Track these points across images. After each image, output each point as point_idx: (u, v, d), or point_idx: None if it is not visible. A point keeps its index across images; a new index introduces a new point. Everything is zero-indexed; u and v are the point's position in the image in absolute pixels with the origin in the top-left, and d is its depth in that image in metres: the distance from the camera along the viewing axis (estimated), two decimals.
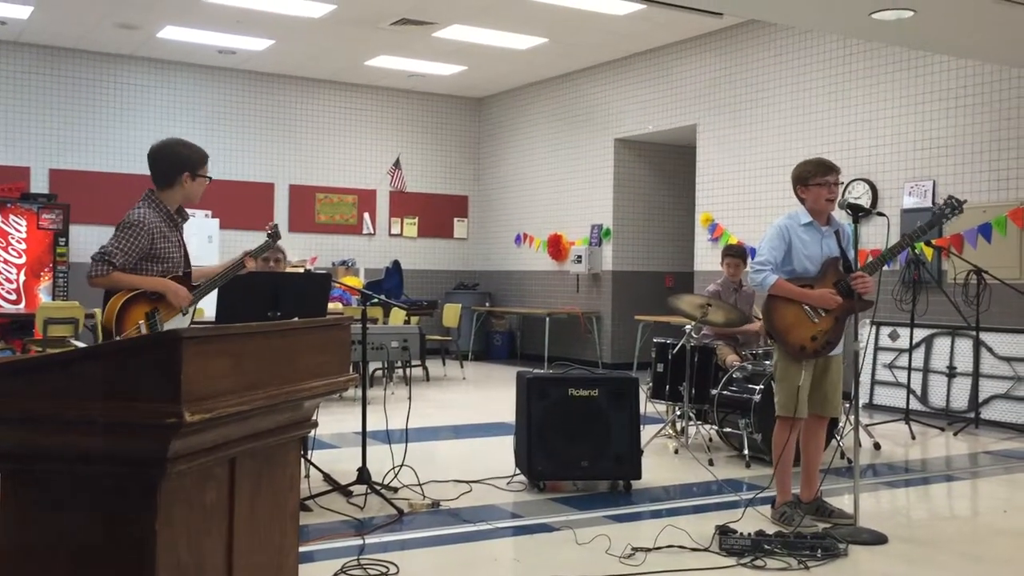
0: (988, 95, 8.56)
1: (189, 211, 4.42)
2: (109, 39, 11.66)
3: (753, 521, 4.78)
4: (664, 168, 12.95)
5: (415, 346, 7.89)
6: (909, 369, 8.42)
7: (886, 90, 9.31)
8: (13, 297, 10.93)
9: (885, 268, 7.42)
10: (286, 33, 11.25)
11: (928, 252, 8.78)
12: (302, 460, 5.13)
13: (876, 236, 8.90)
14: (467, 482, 5.70)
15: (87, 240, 11.68)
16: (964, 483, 6.24)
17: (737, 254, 7.38)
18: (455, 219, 14.91)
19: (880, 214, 5.39)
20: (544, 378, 5.62)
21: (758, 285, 4.79)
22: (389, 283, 12.93)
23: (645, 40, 11.52)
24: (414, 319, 11.31)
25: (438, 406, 9.18)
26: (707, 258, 11.07)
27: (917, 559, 4.35)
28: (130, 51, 12.27)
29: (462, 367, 12.14)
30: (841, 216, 5.33)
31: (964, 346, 8.50)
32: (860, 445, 4.82)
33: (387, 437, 5.99)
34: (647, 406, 6.92)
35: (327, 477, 5.43)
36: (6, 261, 10.92)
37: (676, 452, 6.70)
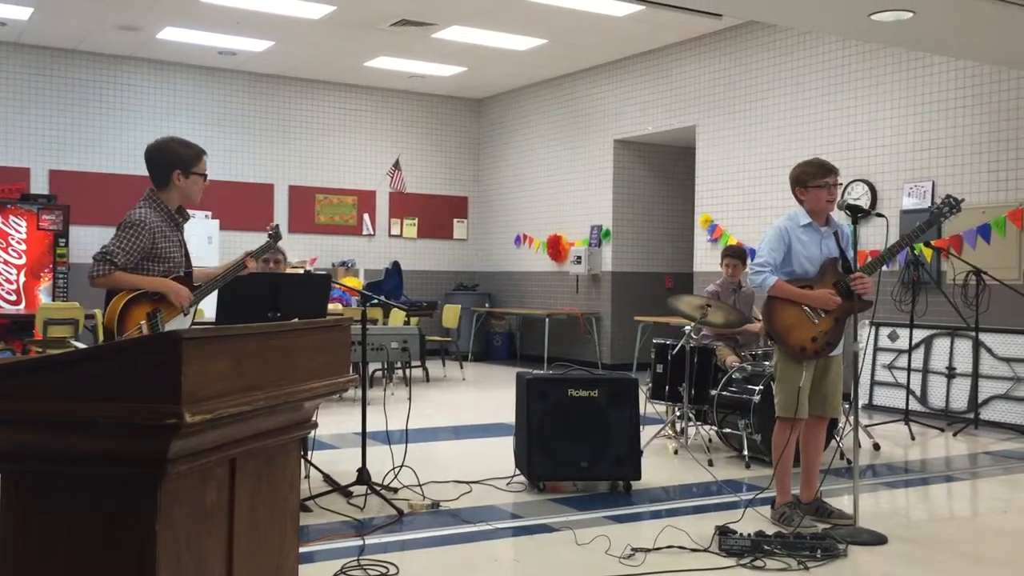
0: (987, 96, 8.56)
1: (189, 212, 4.41)
2: (109, 40, 11.66)
3: (753, 522, 4.78)
4: (663, 169, 12.96)
5: (415, 347, 7.89)
6: (908, 370, 8.42)
7: (885, 91, 9.32)
8: (13, 298, 10.93)
9: (884, 269, 7.43)
10: (286, 34, 11.26)
11: (927, 253, 8.78)
12: (302, 461, 5.14)
13: (875, 237, 8.90)
14: (467, 483, 5.70)
15: (87, 241, 11.69)
16: (964, 484, 6.24)
17: (736, 255, 7.38)
18: (455, 220, 14.91)
19: (879, 215, 5.39)
20: (544, 379, 5.62)
21: (758, 286, 4.80)
22: (389, 284, 12.93)
23: (644, 41, 11.52)
24: (414, 320, 11.32)
25: (438, 407, 9.18)
26: (707, 259, 11.08)
27: (917, 560, 4.35)
28: (130, 52, 12.27)
29: (462, 368, 12.14)
30: (840, 217, 5.34)
31: (963, 347, 8.51)
32: (860, 446, 4.83)
33: (387, 438, 5.99)
34: (647, 407, 6.93)
35: (327, 478, 5.43)
36: (6, 262, 10.92)
37: (676, 453, 6.71)
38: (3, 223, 10.88)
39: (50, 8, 10.33)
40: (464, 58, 12.29)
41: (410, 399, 7.03)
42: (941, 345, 8.70)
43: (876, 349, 9.13)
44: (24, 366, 1.98)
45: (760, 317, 7.16)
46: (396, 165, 14.30)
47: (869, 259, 4.87)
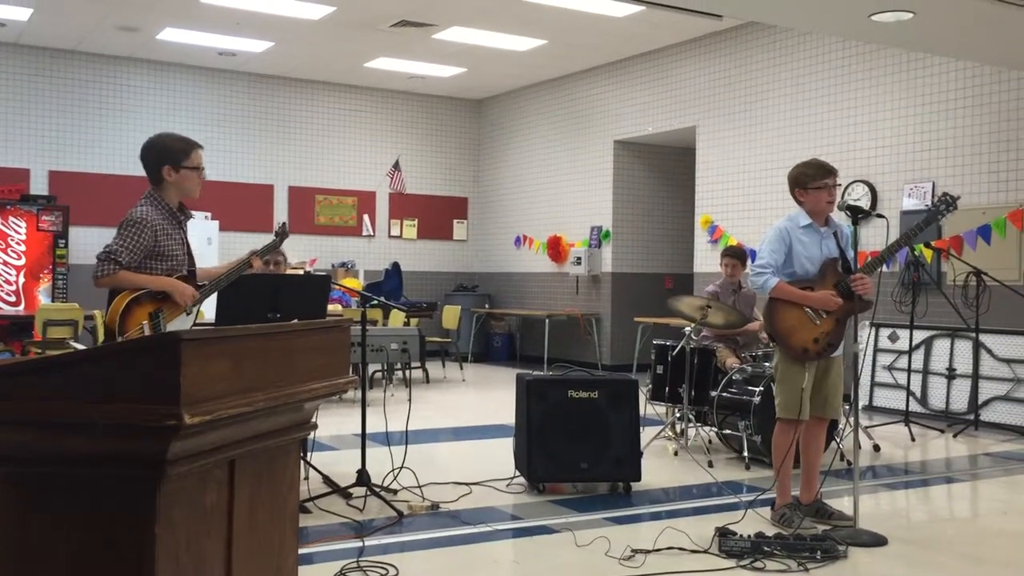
0: (987, 97, 8.56)
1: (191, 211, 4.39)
2: (109, 41, 11.66)
3: (753, 523, 4.78)
4: (663, 170, 12.96)
5: (415, 348, 7.88)
6: (909, 371, 8.42)
7: (885, 92, 9.32)
8: (13, 299, 10.93)
9: (885, 270, 7.42)
10: (286, 35, 11.26)
11: (928, 254, 8.78)
12: (301, 462, 5.13)
13: (876, 238, 8.90)
14: (467, 484, 5.70)
15: (87, 242, 11.69)
16: (964, 485, 6.24)
17: (735, 255, 7.37)
18: (455, 221, 14.91)
19: (880, 216, 5.39)
20: (544, 380, 5.62)
21: (759, 288, 4.80)
22: (389, 285, 12.92)
23: (644, 42, 11.52)
24: (414, 321, 11.31)
25: (438, 408, 9.18)
26: (707, 260, 11.08)
27: (917, 561, 4.35)
28: (129, 53, 12.27)
29: (462, 369, 12.14)
30: (841, 218, 5.34)
31: (964, 348, 8.50)
32: (860, 447, 4.82)
33: (387, 439, 5.98)
34: (647, 408, 6.92)
35: (326, 479, 5.43)
36: (6, 263, 10.91)
37: (676, 454, 6.70)
38: (3, 224, 10.88)
39: (50, 9, 10.33)
40: (464, 59, 12.29)
41: (410, 400, 7.02)
42: (941, 346, 8.70)
43: (876, 350, 9.13)
44: (24, 367, 1.97)
45: (760, 317, 7.17)
46: (396, 166, 14.30)
47: (869, 259, 4.86)
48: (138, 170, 4.28)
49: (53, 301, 10.73)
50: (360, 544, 4.42)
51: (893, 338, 9.00)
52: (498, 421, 8.18)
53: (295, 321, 3.89)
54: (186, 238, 4.27)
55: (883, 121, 9.33)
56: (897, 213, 9.00)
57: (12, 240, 10.92)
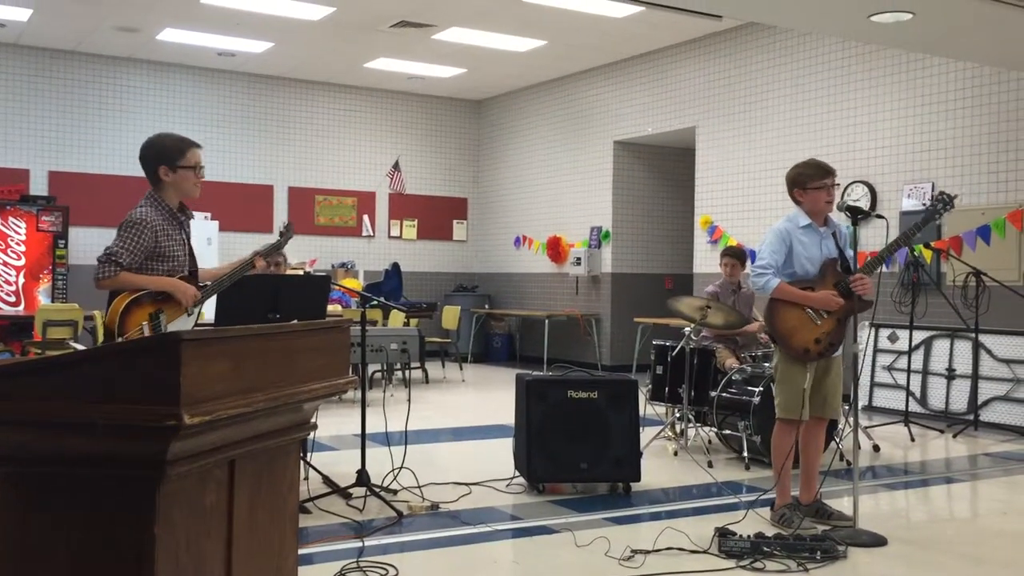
0: (986, 97, 8.57)
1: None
2: (108, 42, 11.67)
3: (752, 523, 4.78)
4: (663, 170, 12.96)
5: (414, 348, 7.90)
6: (908, 371, 8.42)
7: (885, 92, 9.32)
8: (12, 299, 10.93)
9: (884, 270, 7.42)
10: (285, 35, 11.26)
11: (927, 254, 8.78)
12: (301, 462, 5.13)
13: (875, 238, 8.90)
14: (466, 484, 5.70)
15: (86, 242, 11.69)
16: (963, 485, 6.24)
17: (735, 254, 7.38)
18: (454, 221, 14.91)
19: (879, 216, 5.39)
20: (543, 380, 5.62)
21: (761, 289, 4.79)
22: (388, 285, 12.92)
23: (644, 42, 11.53)
24: (413, 321, 11.32)
25: (437, 408, 9.18)
26: (706, 260, 11.08)
27: (916, 561, 4.35)
28: (129, 53, 12.27)
29: (461, 369, 12.14)
30: (840, 218, 5.34)
31: (963, 348, 8.50)
32: (859, 447, 4.82)
33: (386, 439, 5.98)
34: (646, 408, 6.93)
35: (326, 479, 5.43)
36: (5, 263, 10.91)
37: (675, 454, 6.70)
38: (2, 224, 10.88)
39: (49, 9, 10.33)
40: (463, 59, 12.29)
41: (409, 400, 7.02)
42: (941, 346, 8.70)
43: (876, 350, 9.13)
44: (23, 367, 1.98)
45: (760, 318, 7.18)
46: (396, 166, 14.30)
47: (869, 259, 4.86)
48: (138, 170, 4.27)
49: (53, 301, 10.73)
50: (360, 544, 4.42)
51: (893, 338, 9.01)
52: (498, 421, 8.18)
53: (295, 321, 3.89)
54: (187, 239, 4.26)
55: (883, 122, 9.33)
56: (897, 214, 9.00)
57: (12, 240, 10.92)
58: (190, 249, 4.26)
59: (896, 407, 8.62)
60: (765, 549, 4.27)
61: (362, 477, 5.30)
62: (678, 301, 6.99)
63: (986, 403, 8.26)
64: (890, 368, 8.99)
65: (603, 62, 12.53)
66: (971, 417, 8.15)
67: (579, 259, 12.71)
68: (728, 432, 6.68)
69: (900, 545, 4.56)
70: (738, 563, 4.19)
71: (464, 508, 5.19)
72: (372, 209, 14.19)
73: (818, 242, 4.82)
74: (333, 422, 7.79)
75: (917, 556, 4.42)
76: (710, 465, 6.30)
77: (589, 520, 4.97)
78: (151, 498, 1.89)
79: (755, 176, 10.54)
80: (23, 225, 10.98)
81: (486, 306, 14.23)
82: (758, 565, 4.16)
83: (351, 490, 5.29)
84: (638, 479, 5.58)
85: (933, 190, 8.82)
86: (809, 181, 4.82)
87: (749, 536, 4.36)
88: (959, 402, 8.47)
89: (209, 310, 4.86)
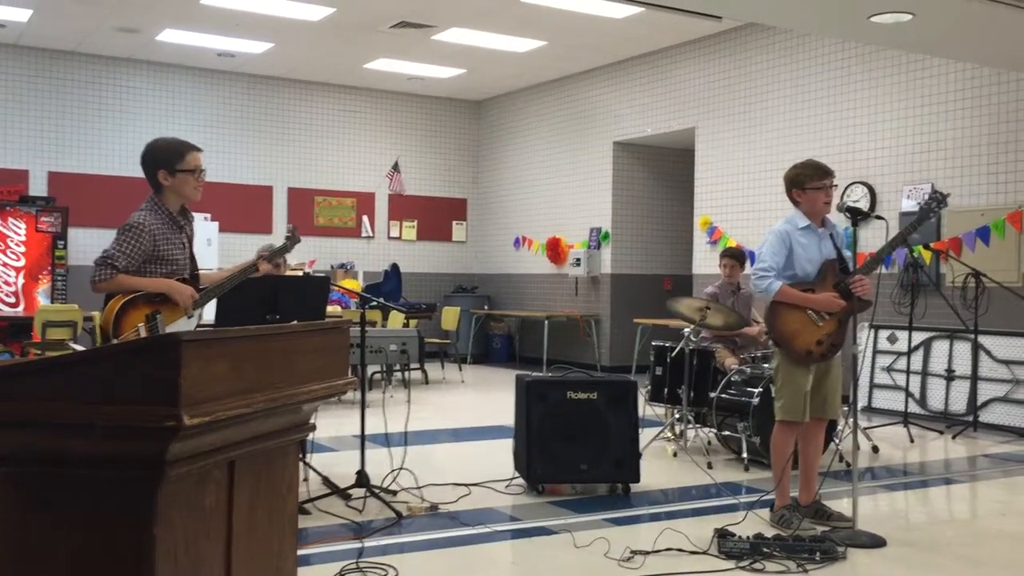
0: (986, 98, 8.57)
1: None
2: (108, 42, 11.67)
3: (752, 524, 4.78)
4: (663, 171, 12.96)
5: (414, 349, 7.89)
6: (908, 372, 8.43)
7: (885, 93, 9.33)
8: (12, 300, 10.93)
9: (884, 271, 7.42)
10: (285, 36, 11.26)
11: (927, 255, 8.78)
12: (300, 463, 5.13)
13: (875, 239, 8.90)
14: (466, 485, 5.70)
15: (86, 243, 11.69)
16: (963, 486, 6.24)
17: (734, 255, 7.38)
18: (454, 222, 14.92)
19: (879, 217, 5.39)
20: (543, 381, 5.62)
21: (763, 291, 4.78)
22: (388, 286, 12.93)
23: (644, 43, 11.53)
24: (413, 322, 11.31)
25: (437, 409, 9.17)
26: (706, 261, 11.08)
27: (916, 562, 4.35)
28: (129, 54, 12.28)
29: (461, 370, 12.14)
30: (840, 220, 5.34)
31: (962, 349, 8.51)
32: (859, 448, 4.82)
33: (386, 440, 5.98)
34: (646, 409, 6.93)
35: (326, 480, 5.43)
36: (5, 264, 10.91)
37: (675, 455, 6.70)
38: (2, 225, 10.87)
39: (49, 10, 10.34)
40: (463, 60, 12.29)
41: (409, 401, 7.03)
42: (940, 347, 8.70)
43: (875, 351, 9.13)
44: (24, 368, 1.98)
45: (759, 319, 7.18)
46: (395, 167, 14.30)
47: (868, 259, 4.86)
48: (137, 171, 4.28)
49: (52, 302, 10.73)
50: (359, 545, 4.42)
51: (892, 339, 9.01)
52: (497, 422, 8.18)
53: (294, 322, 3.89)
54: (189, 242, 4.25)
55: (882, 122, 9.34)
56: (896, 214, 9.00)
57: (11, 241, 10.92)
58: (192, 253, 4.26)
59: (895, 408, 8.62)
60: (764, 550, 4.27)
61: (361, 478, 5.30)
62: (677, 302, 6.99)
63: (985, 404, 8.26)
64: (889, 369, 8.99)
65: (603, 63, 12.53)
66: (970, 418, 8.15)
67: (579, 260, 12.71)
68: (727, 433, 6.68)
69: (899, 546, 4.56)
70: (737, 564, 4.19)
71: (463, 509, 5.19)
72: (371, 210, 14.19)
73: (817, 243, 4.82)
74: (332, 423, 7.79)
75: (916, 557, 4.43)
76: (709, 466, 6.30)
77: (588, 521, 4.97)
78: (151, 499, 1.89)
79: (755, 177, 10.54)
80: (23, 226, 10.98)
81: (485, 307, 14.23)
82: (757, 566, 4.16)
83: (350, 491, 5.28)
84: (637, 480, 5.58)
85: (933, 191, 8.82)
86: (808, 181, 4.82)
87: (748, 537, 4.37)
88: (958, 403, 8.47)
89: (209, 311, 4.86)
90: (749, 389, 6.43)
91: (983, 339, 8.31)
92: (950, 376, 8.56)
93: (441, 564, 4.29)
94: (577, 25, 10.59)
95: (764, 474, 5.94)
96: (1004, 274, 8.08)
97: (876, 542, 4.55)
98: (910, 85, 9.13)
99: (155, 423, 1.84)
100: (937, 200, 4.81)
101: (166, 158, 4.12)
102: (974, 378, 8.32)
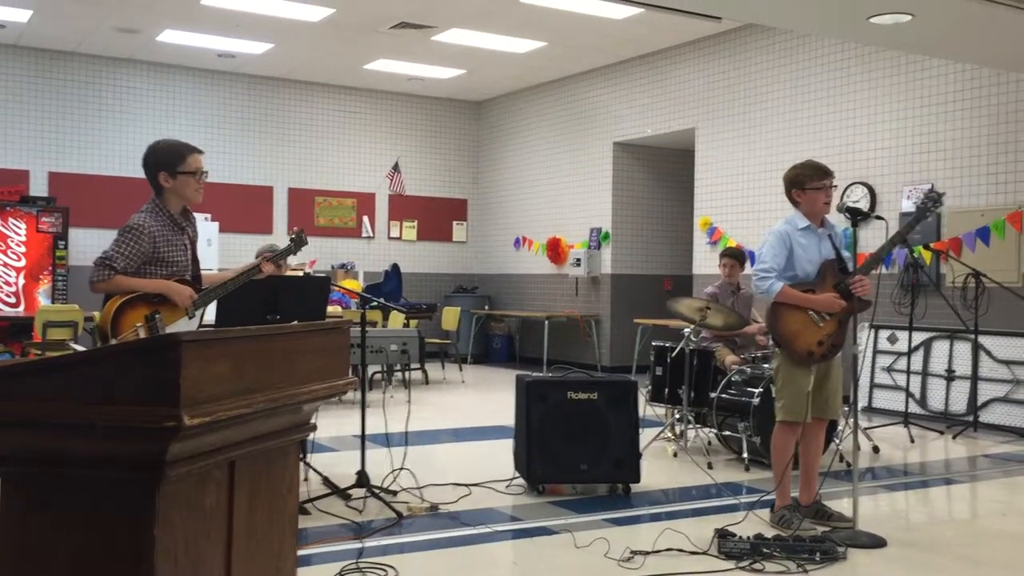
0: (986, 99, 8.57)
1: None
2: (108, 43, 11.67)
3: (752, 524, 4.78)
4: (663, 171, 12.97)
5: (414, 349, 7.90)
6: (908, 372, 8.42)
7: (884, 94, 9.33)
8: (12, 300, 10.93)
9: (884, 271, 7.42)
10: (285, 37, 11.26)
11: (927, 255, 8.78)
12: (301, 463, 5.13)
13: (875, 240, 8.90)
14: (466, 485, 5.70)
15: (86, 243, 11.70)
16: (963, 486, 6.24)
17: (733, 255, 7.38)
18: (454, 222, 14.92)
19: (879, 218, 5.39)
20: (543, 381, 5.62)
21: (764, 292, 4.78)
22: (388, 286, 12.93)
23: (643, 44, 11.53)
24: (413, 322, 11.31)
25: (437, 409, 9.17)
26: (706, 261, 11.08)
27: (916, 563, 4.35)
28: (129, 55, 12.28)
29: (461, 370, 12.14)
30: (840, 220, 5.34)
31: (963, 349, 8.51)
32: (859, 448, 4.82)
33: (386, 440, 5.99)
34: (646, 409, 6.93)
35: (326, 480, 5.43)
36: (6, 264, 10.92)
37: (675, 455, 6.70)
38: (2, 225, 10.88)
39: (49, 10, 10.34)
40: (463, 60, 12.30)
41: (409, 402, 7.03)
42: (940, 348, 8.70)
43: (875, 352, 9.13)
44: (24, 368, 1.98)
45: (759, 319, 7.18)
46: (395, 167, 14.30)
47: (868, 259, 4.86)
48: (138, 172, 4.28)
49: (53, 302, 10.73)
50: (359, 545, 4.42)
51: (892, 340, 9.01)
52: (497, 422, 8.18)
53: (295, 322, 3.90)
54: (191, 244, 4.25)
55: (882, 123, 9.34)
56: (896, 215, 9.00)
57: (12, 241, 10.92)
58: (194, 255, 4.26)
59: (896, 408, 8.63)
60: (764, 550, 4.27)
61: (362, 478, 5.30)
62: (677, 302, 6.99)
63: (985, 404, 8.26)
64: (889, 369, 8.99)
65: (603, 63, 12.53)
66: (970, 418, 8.15)
67: (579, 260, 12.71)
68: (728, 433, 6.68)
69: (899, 546, 4.56)
70: (737, 564, 4.19)
71: (464, 509, 5.19)
72: (372, 210, 14.19)
73: (816, 243, 4.82)
74: (333, 423, 7.79)
75: (916, 557, 4.43)
76: (710, 466, 6.30)
77: (589, 521, 4.97)
78: (151, 499, 1.90)
79: (755, 177, 10.54)
80: (23, 226, 10.98)
81: (486, 307, 14.23)
82: (757, 566, 4.16)
83: (351, 491, 5.28)
84: (638, 480, 5.58)
85: (930, 190, 8.82)
86: (807, 182, 4.83)
87: (749, 537, 4.37)
88: (958, 403, 8.47)
89: (209, 312, 4.87)
90: (749, 389, 6.43)
91: (983, 339, 8.31)
92: (950, 376, 8.56)
93: (441, 564, 4.29)
94: (577, 26, 10.59)
95: (764, 474, 5.95)
96: (1004, 274, 8.08)
97: (876, 542, 4.55)
98: (910, 85, 9.13)
99: (155, 423, 1.84)
100: (933, 199, 4.82)
101: (167, 160, 4.12)
102: (974, 378, 8.33)
